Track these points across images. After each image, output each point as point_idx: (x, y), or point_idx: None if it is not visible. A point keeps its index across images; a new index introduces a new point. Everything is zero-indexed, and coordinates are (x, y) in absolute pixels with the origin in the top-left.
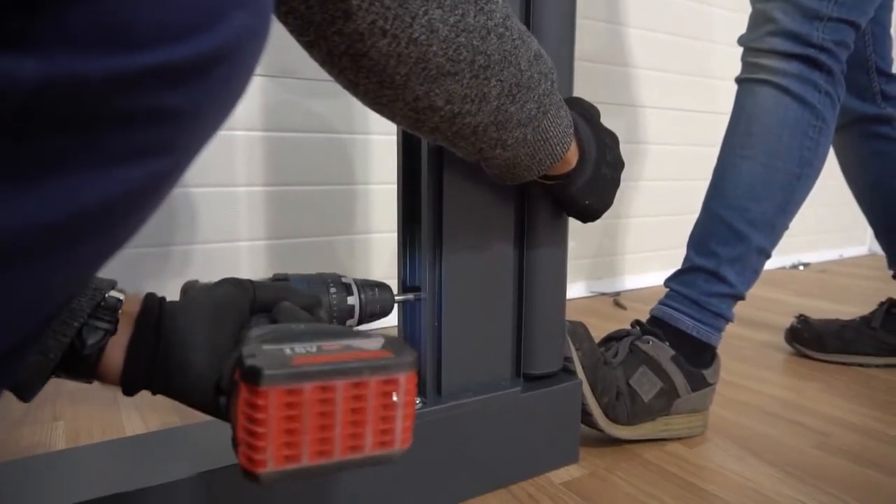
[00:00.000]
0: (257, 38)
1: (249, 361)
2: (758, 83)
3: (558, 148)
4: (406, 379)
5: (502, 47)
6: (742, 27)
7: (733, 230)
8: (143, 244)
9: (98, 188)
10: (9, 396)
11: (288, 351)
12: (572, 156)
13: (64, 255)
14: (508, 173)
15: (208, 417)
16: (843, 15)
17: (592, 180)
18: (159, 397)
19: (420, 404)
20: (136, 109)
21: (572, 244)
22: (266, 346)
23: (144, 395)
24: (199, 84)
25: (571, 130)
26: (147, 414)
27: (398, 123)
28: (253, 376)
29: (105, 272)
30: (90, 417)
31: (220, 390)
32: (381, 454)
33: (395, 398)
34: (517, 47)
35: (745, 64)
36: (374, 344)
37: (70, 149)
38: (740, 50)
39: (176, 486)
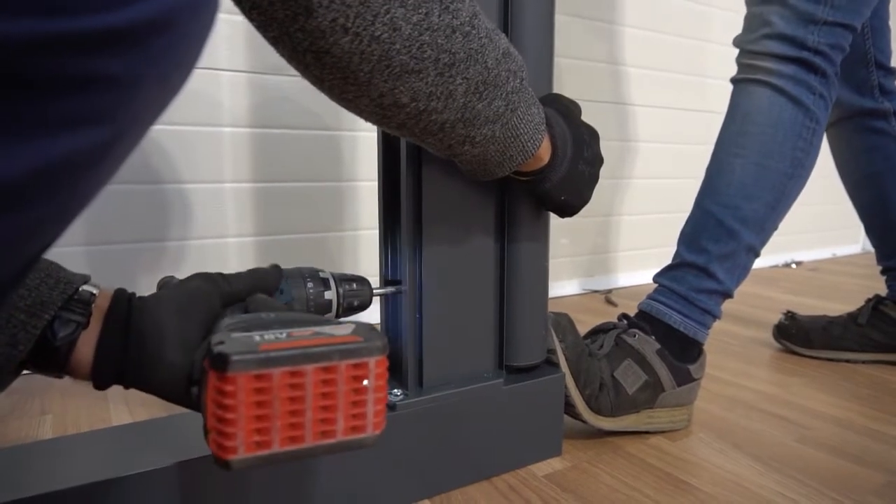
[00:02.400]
0: (201, 9)
1: (217, 349)
2: (753, 83)
3: (529, 144)
4: (376, 363)
5: (468, 46)
6: (735, 26)
7: (724, 227)
8: (127, 240)
9: (34, 156)
10: None
11: (257, 338)
12: (545, 152)
13: None
14: (480, 169)
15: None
16: (839, 18)
17: (568, 176)
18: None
19: (401, 396)
20: (70, 75)
21: (564, 242)
22: (235, 335)
23: (134, 390)
24: (134, 52)
25: (543, 127)
26: (135, 408)
27: (366, 119)
28: (221, 363)
29: (97, 269)
30: (78, 411)
31: (191, 381)
32: (353, 439)
33: (365, 382)
34: (484, 45)
35: (741, 65)
36: (345, 330)
37: (3, 114)
38: (732, 49)
39: (159, 473)
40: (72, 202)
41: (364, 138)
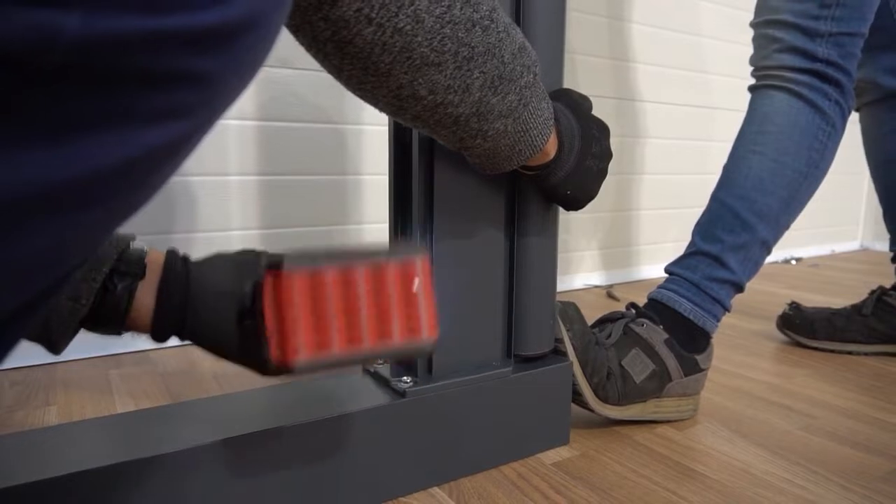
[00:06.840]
0: (280, 8)
1: (273, 257)
2: (772, 88)
3: (538, 139)
4: (422, 263)
5: (486, 40)
6: (739, 22)
7: (740, 219)
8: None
9: (121, 149)
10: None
11: (309, 251)
12: (551, 147)
13: (81, 215)
14: (489, 163)
15: (202, 394)
16: (843, 29)
17: (574, 171)
18: (152, 379)
19: (411, 384)
20: (164, 71)
21: (565, 237)
22: (288, 250)
23: (136, 381)
24: (224, 50)
25: (552, 122)
26: (140, 400)
27: (381, 110)
28: (276, 264)
29: None
30: (82, 403)
31: (243, 315)
32: (410, 343)
33: (415, 282)
34: (501, 40)
35: (758, 77)
36: (386, 244)
37: (99, 109)
38: (737, 46)
39: (171, 457)
40: (142, 194)
41: (369, 132)
